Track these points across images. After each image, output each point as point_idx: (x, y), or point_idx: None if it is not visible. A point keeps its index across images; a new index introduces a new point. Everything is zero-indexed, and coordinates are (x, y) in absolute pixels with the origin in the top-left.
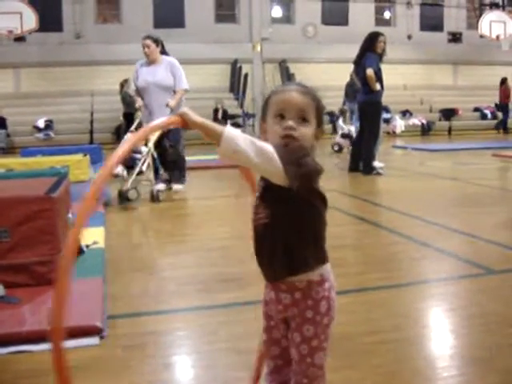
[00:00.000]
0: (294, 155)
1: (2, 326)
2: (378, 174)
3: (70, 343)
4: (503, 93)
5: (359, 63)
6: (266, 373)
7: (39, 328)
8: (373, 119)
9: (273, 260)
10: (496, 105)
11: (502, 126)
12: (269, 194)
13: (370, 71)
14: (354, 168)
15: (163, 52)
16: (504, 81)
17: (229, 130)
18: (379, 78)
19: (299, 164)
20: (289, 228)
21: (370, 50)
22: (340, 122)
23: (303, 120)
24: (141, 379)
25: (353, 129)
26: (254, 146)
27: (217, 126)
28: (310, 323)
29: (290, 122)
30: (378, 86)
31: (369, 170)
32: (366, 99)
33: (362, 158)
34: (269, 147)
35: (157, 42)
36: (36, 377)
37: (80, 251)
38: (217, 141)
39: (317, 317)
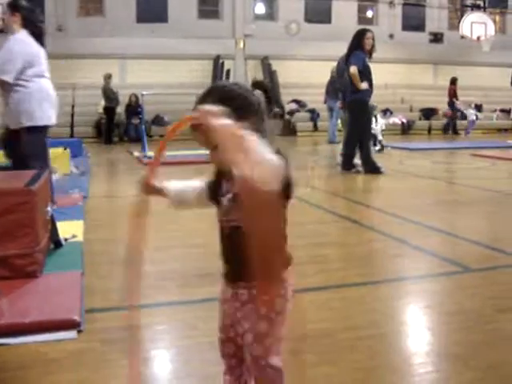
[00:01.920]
0: None
1: None
2: (358, 171)
3: (48, 336)
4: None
5: (347, 62)
6: (223, 372)
7: (17, 321)
8: (358, 118)
9: (243, 263)
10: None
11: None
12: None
13: (353, 69)
14: (346, 167)
15: (26, 25)
16: (454, 81)
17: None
18: (366, 77)
19: None
20: (263, 231)
21: (358, 47)
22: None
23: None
24: (119, 373)
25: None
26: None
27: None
28: (264, 320)
29: None
30: (363, 85)
31: (348, 167)
32: (352, 98)
33: (361, 156)
34: None
35: (15, 8)
36: (13, 370)
37: (58, 244)
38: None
39: (271, 314)
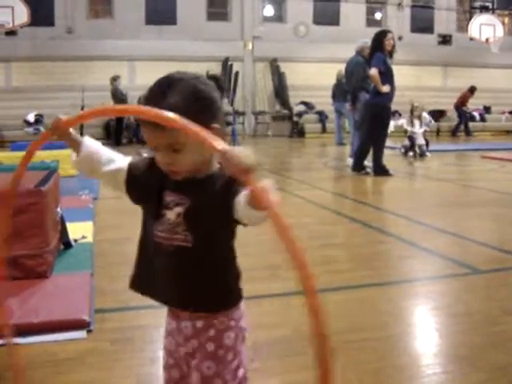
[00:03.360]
0: None
1: None
2: (367, 173)
3: (57, 336)
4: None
5: (369, 65)
6: None
7: (27, 321)
8: (375, 121)
9: (188, 290)
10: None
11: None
12: (198, 215)
13: (373, 71)
14: (357, 168)
15: None
16: (472, 90)
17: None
18: (388, 79)
19: None
20: (212, 254)
21: (379, 49)
22: (405, 124)
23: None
24: (129, 372)
25: (418, 130)
26: None
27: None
28: (211, 359)
29: None
30: (385, 88)
31: (358, 168)
32: (372, 101)
33: (373, 158)
34: None
35: None
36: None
37: (68, 245)
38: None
39: (219, 351)
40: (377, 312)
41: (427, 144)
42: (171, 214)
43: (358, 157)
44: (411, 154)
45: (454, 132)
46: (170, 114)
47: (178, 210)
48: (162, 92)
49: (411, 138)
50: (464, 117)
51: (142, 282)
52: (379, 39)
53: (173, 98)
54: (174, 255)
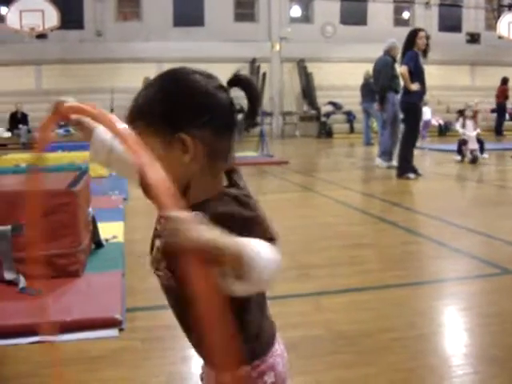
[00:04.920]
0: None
1: (23, 317)
2: (408, 178)
3: (90, 334)
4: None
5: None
6: None
7: (60, 319)
8: (409, 121)
9: (189, 335)
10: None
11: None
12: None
13: (402, 69)
14: (399, 174)
15: None
16: (505, 81)
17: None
18: (418, 77)
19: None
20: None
21: (410, 48)
22: (457, 125)
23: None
24: (160, 371)
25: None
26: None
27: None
28: None
29: None
30: (414, 86)
31: (401, 172)
32: (403, 100)
33: (399, 157)
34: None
35: None
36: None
37: (99, 245)
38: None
39: None
40: (407, 312)
41: (482, 145)
42: (156, 245)
43: (402, 160)
44: (461, 158)
45: (497, 130)
46: (119, 125)
47: (158, 242)
48: (143, 88)
49: (463, 142)
50: (503, 114)
51: None
52: (411, 38)
53: (142, 97)
54: (167, 294)
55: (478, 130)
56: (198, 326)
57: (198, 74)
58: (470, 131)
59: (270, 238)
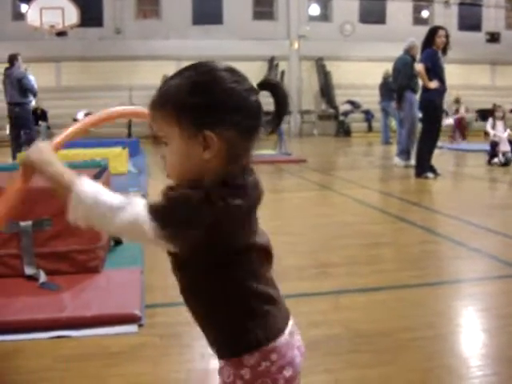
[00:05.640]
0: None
1: (43, 312)
2: (426, 177)
3: (109, 330)
4: None
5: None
6: None
7: (79, 314)
8: (429, 119)
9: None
10: None
11: None
12: (172, 258)
13: (419, 66)
14: (417, 173)
15: None
16: None
17: (79, 189)
18: (436, 75)
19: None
20: (193, 284)
21: (429, 46)
22: (488, 126)
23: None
24: (179, 367)
25: (497, 132)
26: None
27: (64, 177)
28: None
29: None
30: (432, 84)
31: (419, 171)
32: (422, 98)
33: (416, 156)
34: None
35: None
36: (76, 361)
37: (119, 241)
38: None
39: None
40: (425, 312)
41: None
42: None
43: (420, 159)
44: (496, 160)
45: None
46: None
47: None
48: (175, 75)
49: (494, 144)
50: None
51: None
52: (431, 36)
53: (173, 86)
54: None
55: (509, 131)
56: (193, 314)
57: (232, 72)
58: (501, 132)
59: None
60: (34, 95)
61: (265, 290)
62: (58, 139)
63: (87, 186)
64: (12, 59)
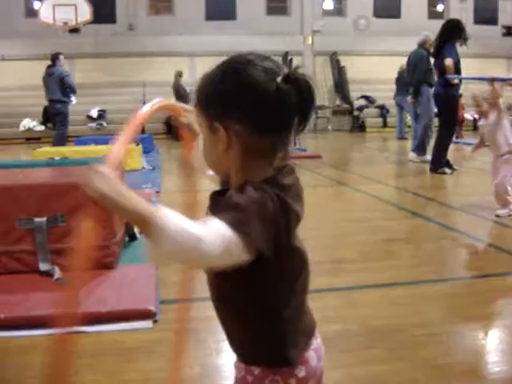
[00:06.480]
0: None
1: (58, 307)
2: (444, 172)
3: (124, 326)
4: None
5: (438, 55)
6: None
7: (95, 310)
8: (449, 114)
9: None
10: None
11: None
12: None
13: (448, 61)
14: (434, 168)
15: None
16: None
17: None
18: (458, 70)
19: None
20: (227, 293)
21: (452, 39)
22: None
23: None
24: (194, 363)
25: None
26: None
27: (143, 211)
28: None
29: None
30: (455, 80)
31: (436, 166)
32: (442, 92)
33: (433, 150)
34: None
35: None
36: (92, 357)
37: (133, 238)
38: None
39: None
40: (441, 307)
41: None
42: None
43: (435, 154)
44: None
45: None
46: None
47: None
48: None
49: None
50: None
51: None
52: (455, 28)
53: (202, 76)
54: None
55: None
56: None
57: (261, 64)
58: None
59: (238, 230)
60: (74, 93)
61: (300, 305)
62: (113, 153)
63: (170, 219)
64: (54, 58)
